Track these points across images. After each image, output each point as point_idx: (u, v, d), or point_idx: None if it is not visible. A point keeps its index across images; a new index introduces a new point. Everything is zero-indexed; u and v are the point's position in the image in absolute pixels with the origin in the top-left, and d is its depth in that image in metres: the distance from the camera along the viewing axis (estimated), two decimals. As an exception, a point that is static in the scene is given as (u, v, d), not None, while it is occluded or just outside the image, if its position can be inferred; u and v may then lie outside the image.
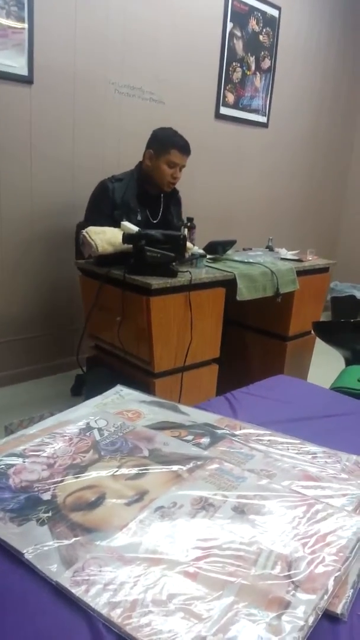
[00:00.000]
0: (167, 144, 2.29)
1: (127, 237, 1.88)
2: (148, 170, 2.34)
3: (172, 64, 3.04)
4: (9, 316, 2.67)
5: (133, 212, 2.32)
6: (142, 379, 1.98)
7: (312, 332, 2.66)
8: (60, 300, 2.83)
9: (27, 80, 2.44)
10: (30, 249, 2.66)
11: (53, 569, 0.74)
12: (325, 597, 0.71)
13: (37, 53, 2.43)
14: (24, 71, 2.41)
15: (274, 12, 3.56)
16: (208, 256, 2.25)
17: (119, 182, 2.31)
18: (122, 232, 1.91)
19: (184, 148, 2.31)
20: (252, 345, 2.67)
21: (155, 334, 1.87)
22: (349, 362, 2.58)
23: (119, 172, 2.41)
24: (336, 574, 0.75)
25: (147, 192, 2.39)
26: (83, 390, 2.72)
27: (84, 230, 1.95)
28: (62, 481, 0.95)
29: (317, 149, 4.38)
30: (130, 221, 2.23)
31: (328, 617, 0.70)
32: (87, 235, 1.92)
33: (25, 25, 2.36)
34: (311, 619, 0.67)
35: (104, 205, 2.29)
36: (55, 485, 0.93)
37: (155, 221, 2.43)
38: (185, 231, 2.37)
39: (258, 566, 0.76)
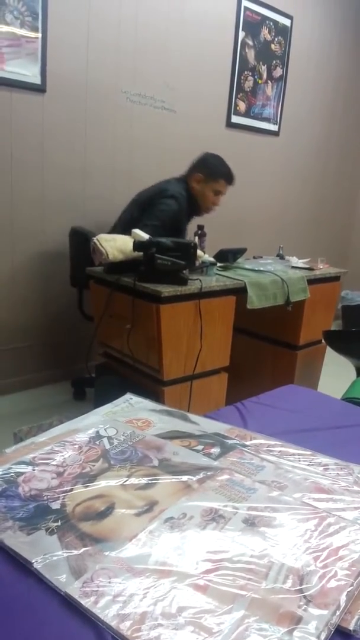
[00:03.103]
0: (217, 173, 2.40)
1: (138, 245, 1.88)
2: (194, 192, 2.43)
3: (183, 73, 3.06)
4: (16, 323, 2.68)
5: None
6: (151, 387, 1.98)
7: (323, 341, 2.64)
8: (70, 307, 2.84)
9: (40, 89, 2.46)
10: (41, 256, 2.68)
11: (62, 579, 0.74)
12: (338, 612, 0.70)
13: (50, 62, 2.46)
14: (37, 80, 2.44)
15: (286, 22, 3.57)
16: (218, 264, 2.24)
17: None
18: (132, 240, 1.92)
19: (232, 180, 2.43)
20: (262, 354, 2.65)
21: (165, 342, 1.87)
22: (360, 372, 2.56)
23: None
24: (349, 589, 0.73)
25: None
26: (85, 392, 2.72)
27: (94, 238, 1.96)
28: (71, 490, 0.94)
29: (328, 157, 4.38)
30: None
31: (340, 634, 0.69)
32: (97, 243, 1.93)
33: (39, 35, 2.39)
34: (323, 635, 0.66)
35: (175, 221, 2.35)
36: (64, 494, 0.93)
37: None
38: (196, 239, 2.38)
39: (269, 580, 0.75)
